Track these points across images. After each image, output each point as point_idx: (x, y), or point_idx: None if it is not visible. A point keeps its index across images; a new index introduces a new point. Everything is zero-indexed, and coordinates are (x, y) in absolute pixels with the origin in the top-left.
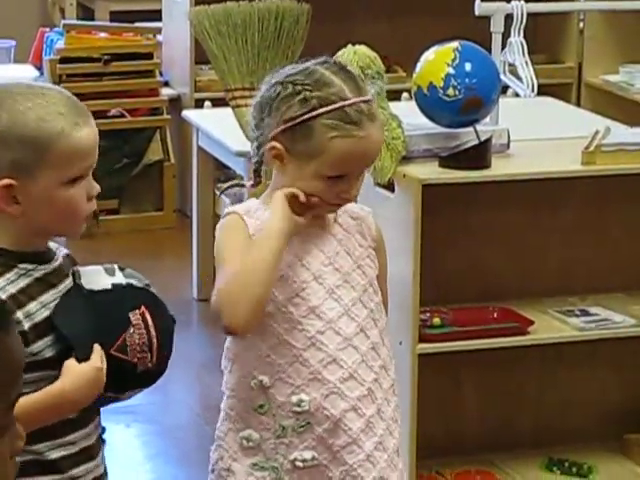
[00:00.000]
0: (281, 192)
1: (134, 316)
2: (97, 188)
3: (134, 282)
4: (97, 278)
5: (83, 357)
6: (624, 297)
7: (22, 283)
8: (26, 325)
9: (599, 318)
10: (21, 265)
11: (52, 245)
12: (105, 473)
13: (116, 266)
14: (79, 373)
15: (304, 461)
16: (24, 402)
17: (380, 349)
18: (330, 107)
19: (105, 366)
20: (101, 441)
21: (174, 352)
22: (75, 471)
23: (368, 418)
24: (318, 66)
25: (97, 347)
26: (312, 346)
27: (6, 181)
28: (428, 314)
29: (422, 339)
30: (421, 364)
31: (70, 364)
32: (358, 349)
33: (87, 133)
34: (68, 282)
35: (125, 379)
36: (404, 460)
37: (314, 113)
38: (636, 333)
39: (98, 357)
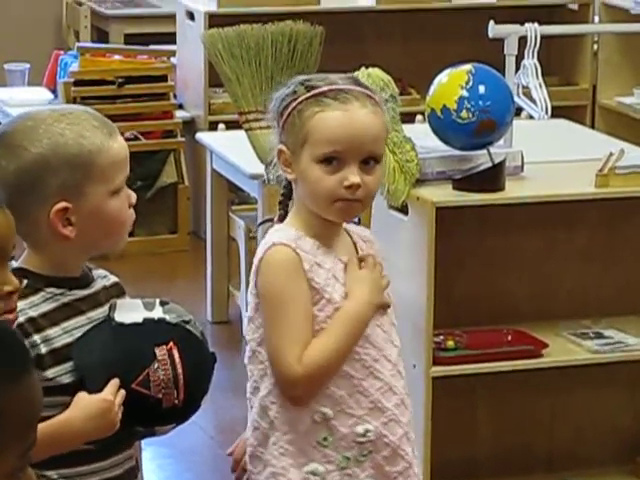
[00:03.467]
0: (368, 275)
1: (160, 351)
2: (134, 196)
3: (168, 317)
4: (132, 311)
5: (94, 389)
6: (638, 320)
7: (46, 307)
8: (43, 349)
9: (613, 341)
10: (48, 289)
11: (99, 272)
12: None
13: (157, 301)
14: (86, 404)
15: None
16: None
17: (402, 371)
18: (316, 91)
19: (119, 400)
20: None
21: None
22: None
23: (413, 442)
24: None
25: (114, 381)
26: (370, 375)
27: (62, 204)
28: (442, 337)
29: (436, 362)
30: (435, 387)
31: (80, 395)
32: (402, 374)
33: (120, 143)
34: (101, 311)
35: (150, 415)
36: None
37: (300, 98)
38: None
39: (111, 390)
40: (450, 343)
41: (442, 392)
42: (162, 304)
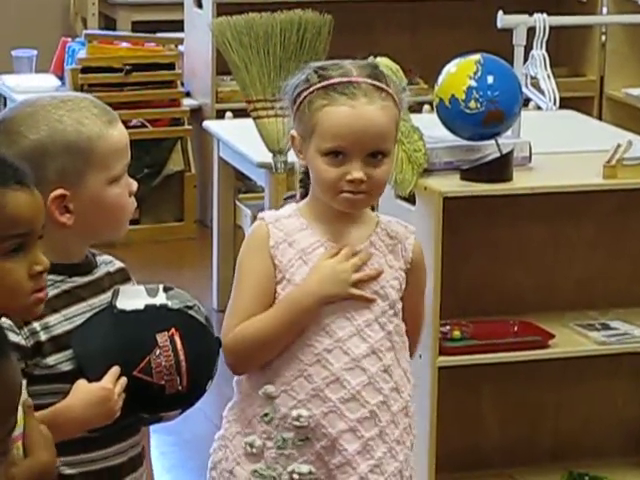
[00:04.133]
0: (328, 265)
1: (162, 338)
2: (135, 184)
3: (170, 303)
4: (135, 298)
5: (93, 377)
6: None
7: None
8: (43, 337)
9: (620, 332)
10: (48, 276)
11: (104, 258)
12: None
13: (161, 287)
14: (85, 392)
15: (301, 474)
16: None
17: (394, 371)
18: (327, 82)
19: (119, 389)
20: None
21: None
22: None
23: (367, 440)
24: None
25: (114, 369)
26: (318, 363)
27: (59, 191)
28: (448, 327)
29: (442, 352)
30: (441, 377)
31: (79, 383)
32: (366, 371)
33: (120, 131)
34: (103, 298)
35: (154, 401)
36: (419, 476)
37: (312, 88)
38: None
39: (110, 378)
40: (456, 333)
41: (448, 382)
42: (166, 290)
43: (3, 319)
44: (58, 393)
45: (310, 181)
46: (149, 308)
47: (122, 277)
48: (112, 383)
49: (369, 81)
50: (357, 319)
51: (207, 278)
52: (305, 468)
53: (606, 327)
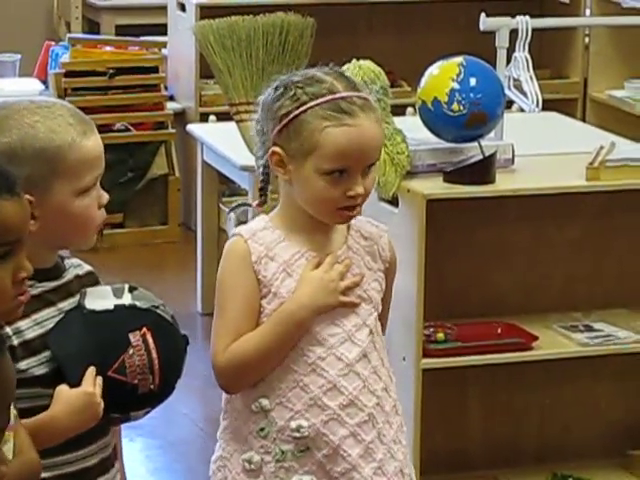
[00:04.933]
0: (317, 276)
1: (134, 337)
2: (106, 197)
3: (138, 303)
4: (102, 299)
5: (74, 381)
6: (628, 313)
7: None
8: (15, 341)
9: (603, 334)
10: None
11: (72, 262)
12: None
13: (126, 286)
14: (69, 399)
15: None
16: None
17: (380, 371)
18: (320, 100)
19: (99, 390)
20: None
21: None
22: None
23: (367, 444)
24: (313, 69)
25: (90, 370)
26: (313, 372)
27: (25, 197)
28: (432, 329)
29: (426, 354)
30: (425, 379)
31: (61, 390)
32: (360, 375)
33: (94, 142)
34: (72, 301)
35: (126, 401)
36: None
37: (304, 107)
38: None
39: (90, 381)
40: (440, 335)
41: (432, 384)
42: (131, 290)
43: None
44: (32, 397)
45: (268, 187)
46: (118, 308)
47: (91, 281)
48: (92, 386)
49: (356, 94)
50: (346, 324)
51: (191, 281)
52: (307, 478)
53: (590, 329)
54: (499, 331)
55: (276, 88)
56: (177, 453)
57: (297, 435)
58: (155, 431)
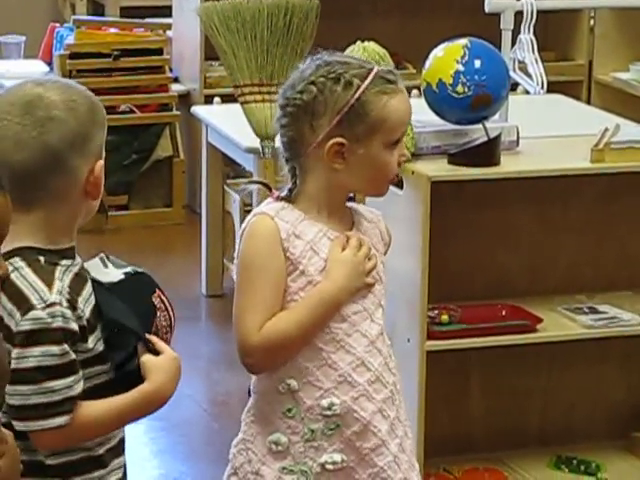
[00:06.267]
0: (349, 258)
1: (156, 300)
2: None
3: (136, 268)
4: (102, 271)
5: (152, 348)
6: (633, 295)
7: (67, 280)
8: (84, 320)
9: (608, 316)
10: (62, 262)
11: None
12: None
13: (103, 255)
14: (165, 366)
15: (334, 463)
16: (119, 403)
17: (390, 349)
18: (369, 78)
19: None
20: None
21: (181, 347)
22: (115, 462)
23: (392, 420)
24: (321, 59)
25: (154, 337)
26: (341, 349)
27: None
28: (436, 311)
29: (430, 336)
30: (429, 361)
31: (151, 360)
32: (381, 351)
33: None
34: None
35: None
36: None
37: (361, 89)
38: None
39: (165, 345)
40: (444, 317)
41: (436, 366)
42: (107, 257)
43: (64, 309)
44: (97, 375)
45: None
46: (127, 275)
47: None
48: (171, 350)
49: (382, 66)
50: (366, 302)
51: (196, 263)
52: (337, 457)
53: (594, 311)
54: (503, 313)
55: (316, 85)
56: (181, 435)
57: (328, 413)
58: (158, 413)
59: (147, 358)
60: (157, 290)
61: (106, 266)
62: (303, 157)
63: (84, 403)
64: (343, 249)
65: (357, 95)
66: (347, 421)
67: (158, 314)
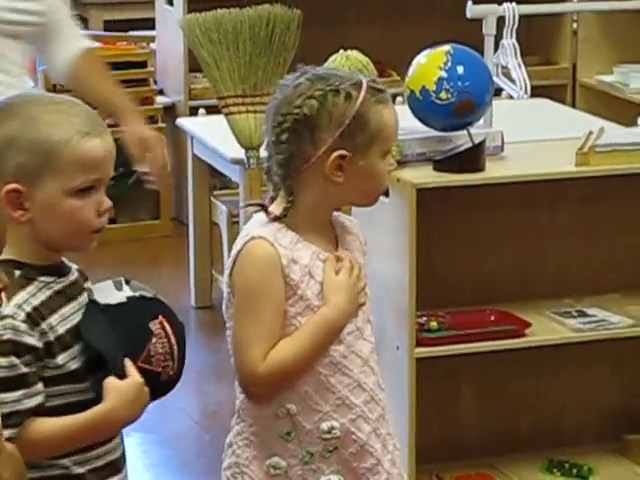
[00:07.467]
0: (345, 282)
1: (154, 326)
2: (107, 203)
3: (145, 294)
4: (109, 293)
5: (121, 372)
6: (620, 298)
7: (43, 296)
8: (51, 336)
9: (596, 319)
10: (41, 278)
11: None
12: None
13: (122, 279)
14: (123, 390)
15: None
16: (70, 422)
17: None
18: (363, 89)
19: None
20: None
21: None
22: None
23: (384, 437)
24: (310, 73)
25: (129, 361)
26: (338, 372)
27: (12, 186)
28: (425, 318)
29: (419, 343)
30: (419, 368)
31: (112, 383)
32: (374, 370)
33: (96, 145)
34: (85, 297)
35: (151, 389)
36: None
37: (359, 100)
38: (633, 333)
39: (135, 371)
40: (433, 324)
41: (426, 373)
42: (127, 282)
43: (17, 322)
44: (66, 394)
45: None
46: (131, 300)
47: (85, 277)
48: (139, 376)
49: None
50: (358, 321)
51: (184, 275)
52: (334, 478)
53: (582, 314)
54: (492, 318)
55: (316, 98)
56: (173, 448)
57: (328, 436)
58: (150, 426)
59: (109, 380)
60: (161, 317)
61: (120, 289)
62: (300, 173)
63: (38, 419)
64: (336, 271)
65: (357, 106)
66: (345, 443)
67: (154, 340)
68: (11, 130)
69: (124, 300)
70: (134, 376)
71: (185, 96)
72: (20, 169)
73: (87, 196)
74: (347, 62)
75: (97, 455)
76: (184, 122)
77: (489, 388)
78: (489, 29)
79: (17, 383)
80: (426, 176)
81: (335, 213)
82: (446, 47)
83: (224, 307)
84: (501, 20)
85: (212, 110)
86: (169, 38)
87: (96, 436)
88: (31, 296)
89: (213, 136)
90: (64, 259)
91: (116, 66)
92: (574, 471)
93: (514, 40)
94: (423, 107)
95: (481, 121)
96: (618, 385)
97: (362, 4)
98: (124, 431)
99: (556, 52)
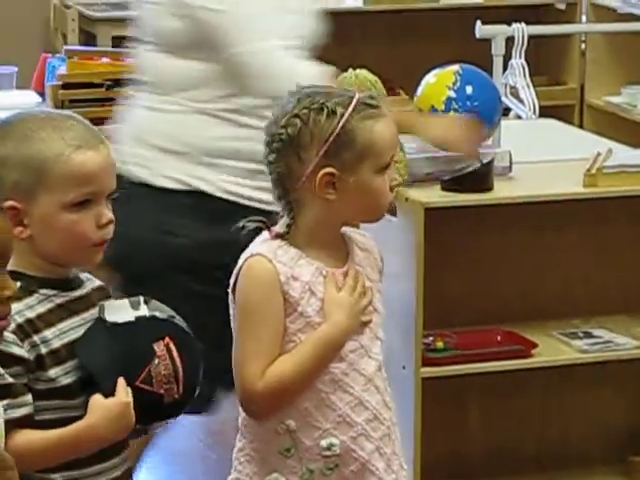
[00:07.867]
0: (346, 299)
1: (158, 347)
2: (108, 216)
3: (157, 314)
4: (121, 311)
5: (108, 392)
6: (627, 319)
7: (42, 309)
8: (43, 350)
9: (602, 340)
10: (42, 290)
11: (85, 275)
12: None
13: (141, 299)
14: (106, 409)
15: None
16: (51, 436)
17: (386, 382)
18: (352, 105)
19: (131, 399)
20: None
21: None
22: None
23: (388, 457)
24: (301, 92)
25: (121, 381)
26: (339, 389)
27: (9, 203)
28: (431, 338)
29: (426, 363)
30: (425, 388)
31: (96, 400)
32: (379, 388)
33: (89, 157)
34: (93, 312)
35: (152, 411)
36: None
37: (345, 116)
38: (639, 355)
39: (124, 391)
40: (440, 344)
41: (432, 393)
42: (146, 302)
43: (6, 333)
44: (58, 409)
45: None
46: (140, 319)
47: (104, 294)
48: (126, 396)
49: (362, 92)
50: (363, 339)
51: None
52: None
53: (589, 335)
54: (498, 339)
55: (300, 117)
56: (178, 464)
57: (328, 453)
58: (155, 443)
59: (94, 397)
60: (167, 338)
61: (136, 308)
62: (295, 192)
63: (22, 431)
64: (339, 288)
65: (341, 123)
66: (346, 461)
67: (156, 361)
68: (6, 149)
69: (132, 319)
70: (120, 396)
71: None
72: (15, 186)
73: (84, 209)
74: (356, 80)
75: (95, 472)
76: None
77: (495, 408)
78: (498, 49)
79: (1, 393)
80: (434, 195)
81: (348, 229)
82: (455, 67)
83: (232, 324)
84: (510, 40)
85: None
86: None
87: (76, 451)
88: (27, 308)
89: None
90: (82, 275)
91: (125, 83)
92: None
93: (523, 60)
94: None
95: (489, 141)
96: (624, 406)
97: (371, 23)
98: None
99: (564, 73)
